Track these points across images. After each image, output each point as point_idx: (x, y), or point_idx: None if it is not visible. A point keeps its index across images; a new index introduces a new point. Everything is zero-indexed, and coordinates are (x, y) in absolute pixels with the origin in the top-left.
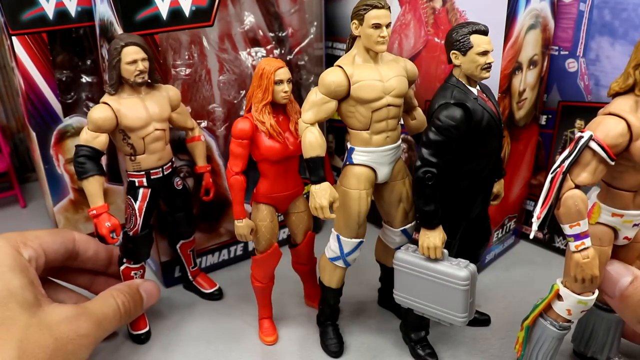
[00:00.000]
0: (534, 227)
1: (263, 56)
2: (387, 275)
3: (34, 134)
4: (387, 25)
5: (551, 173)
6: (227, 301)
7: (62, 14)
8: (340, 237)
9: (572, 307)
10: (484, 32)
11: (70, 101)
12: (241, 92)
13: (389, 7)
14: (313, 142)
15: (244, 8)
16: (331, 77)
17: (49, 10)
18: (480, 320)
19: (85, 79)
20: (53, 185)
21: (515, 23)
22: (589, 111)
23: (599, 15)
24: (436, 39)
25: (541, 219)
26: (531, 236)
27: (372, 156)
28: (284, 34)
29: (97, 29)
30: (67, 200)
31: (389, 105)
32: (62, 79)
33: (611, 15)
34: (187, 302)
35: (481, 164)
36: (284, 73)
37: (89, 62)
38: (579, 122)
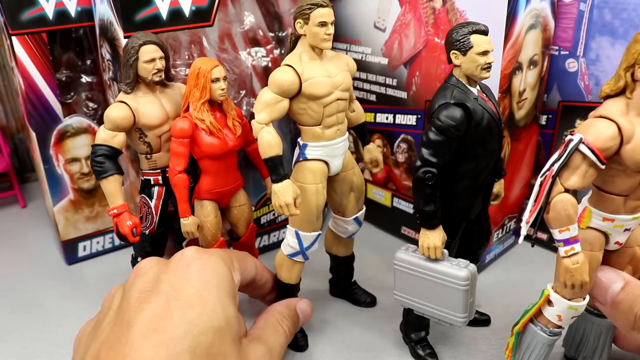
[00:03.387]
0: (523, 231)
1: (263, 56)
2: (338, 265)
3: (33, 134)
4: (332, 23)
5: (541, 176)
6: None
7: (62, 13)
8: (299, 232)
9: (562, 312)
10: (484, 32)
11: (70, 101)
12: (241, 92)
13: (332, 6)
14: (271, 142)
15: (244, 8)
16: (282, 76)
17: (49, 10)
18: (480, 320)
19: (85, 79)
20: (53, 185)
21: (515, 23)
22: (589, 111)
23: (599, 15)
24: (436, 39)
25: (530, 223)
26: (520, 240)
27: (325, 150)
28: (284, 34)
29: (97, 29)
30: (67, 201)
31: (338, 99)
32: (62, 79)
33: (611, 15)
34: None
35: (481, 164)
36: (219, 71)
37: (89, 62)
38: (579, 122)
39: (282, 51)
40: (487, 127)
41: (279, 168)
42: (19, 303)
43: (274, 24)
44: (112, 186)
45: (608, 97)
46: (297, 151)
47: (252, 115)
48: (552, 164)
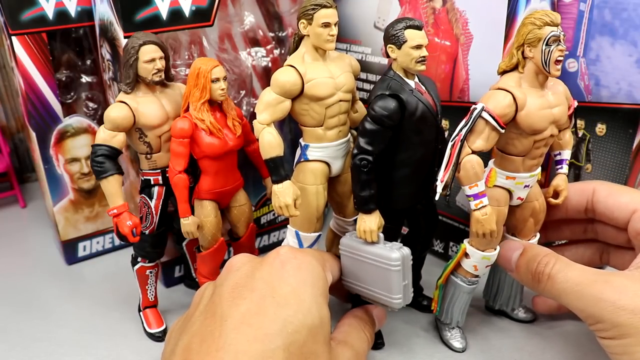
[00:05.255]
0: (439, 189)
1: (263, 56)
2: None
3: (33, 134)
4: (336, 24)
5: (451, 141)
6: None
7: (62, 14)
8: (300, 232)
9: (477, 262)
10: (418, 27)
11: (70, 101)
12: (241, 92)
13: (336, 7)
14: (272, 142)
15: (244, 8)
16: (285, 76)
17: (49, 10)
18: (423, 305)
19: (85, 79)
20: (53, 185)
21: (515, 23)
22: (589, 111)
23: (599, 15)
24: (436, 39)
25: (444, 182)
26: (437, 198)
27: (326, 151)
28: (284, 34)
29: (97, 29)
30: (67, 201)
31: (340, 100)
32: (62, 79)
33: (611, 15)
34: (187, 302)
35: (418, 153)
36: (219, 71)
37: (89, 62)
38: (579, 122)
39: (282, 51)
40: (422, 118)
41: (279, 169)
42: (18, 303)
43: (274, 24)
44: (112, 186)
45: (504, 72)
46: (298, 152)
47: (252, 115)
48: (460, 130)
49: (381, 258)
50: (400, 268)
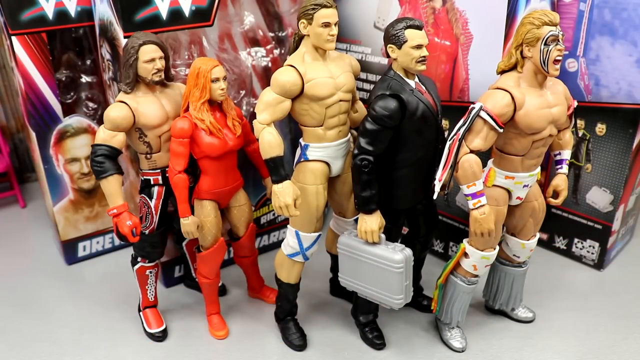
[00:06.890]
0: (436, 189)
1: (263, 56)
2: (338, 265)
3: (33, 134)
4: (336, 24)
5: (449, 140)
6: (228, 302)
7: (61, 13)
8: (300, 232)
9: (477, 262)
10: (419, 27)
11: (70, 101)
12: (241, 92)
13: (337, 6)
14: (272, 142)
15: (244, 8)
16: (285, 76)
17: (49, 10)
18: (424, 305)
19: (85, 79)
20: (53, 185)
21: (515, 23)
22: (589, 111)
23: (599, 15)
24: (436, 39)
25: (442, 181)
26: (434, 197)
27: (327, 151)
28: (284, 34)
29: (97, 29)
30: (67, 201)
31: (340, 100)
32: (62, 79)
33: (611, 15)
34: (187, 302)
35: (419, 153)
36: (219, 71)
37: (89, 62)
38: (579, 122)
39: (282, 51)
40: (422, 118)
41: (279, 169)
42: (18, 303)
43: (274, 24)
44: (111, 186)
45: (503, 72)
46: (298, 152)
47: (252, 115)
48: (459, 129)
49: (383, 259)
50: (403, 270)
